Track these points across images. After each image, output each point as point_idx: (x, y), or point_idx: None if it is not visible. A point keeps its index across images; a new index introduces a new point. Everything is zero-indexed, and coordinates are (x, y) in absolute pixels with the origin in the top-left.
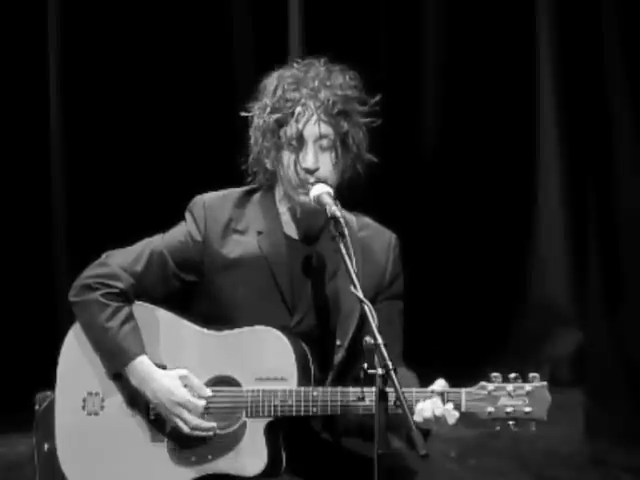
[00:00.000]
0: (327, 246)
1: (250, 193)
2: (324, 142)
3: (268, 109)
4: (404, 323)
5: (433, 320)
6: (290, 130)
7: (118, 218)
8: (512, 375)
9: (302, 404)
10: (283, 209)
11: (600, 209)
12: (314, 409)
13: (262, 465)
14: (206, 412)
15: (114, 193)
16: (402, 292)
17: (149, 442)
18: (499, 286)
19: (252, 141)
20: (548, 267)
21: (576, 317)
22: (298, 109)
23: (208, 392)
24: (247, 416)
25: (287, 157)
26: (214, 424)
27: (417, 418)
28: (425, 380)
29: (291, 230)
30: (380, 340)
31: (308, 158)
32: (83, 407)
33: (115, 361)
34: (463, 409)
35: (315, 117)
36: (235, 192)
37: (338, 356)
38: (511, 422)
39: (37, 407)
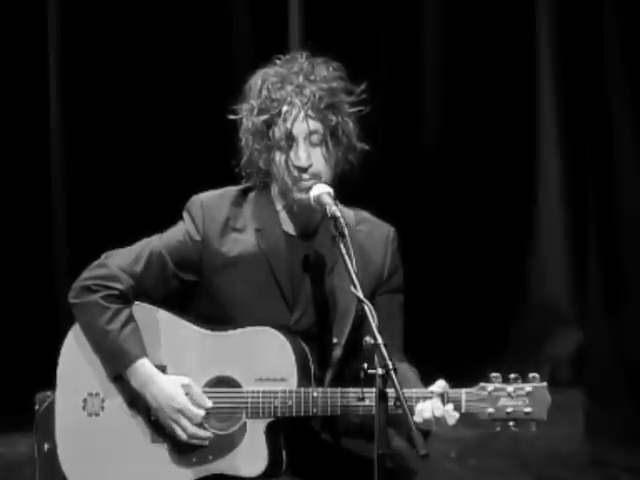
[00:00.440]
0: (325, 242)
1: (246, 191)
2: (314, 138)
3: (255, 111)
4: (404, 322)
5: (433, 320)
6: (279, 130)
7: (118, 218)
8: (512, 376)
9: (302, 405)
10: (280, 206)
11: (600, 209)
12: (314, 410)
13: (263, 466)
14: (206, 413)
15: (114, 193)
16: (402, 285)
17: (150, 443)
18: (499, 286)
19: (243, 143)
20: (548, 267)
21: (576, 317)
22: (285, 108)
23: (209, 403)
24: (247, 417)
25: (279, 157)
26: (210, 434)
27: (417, 419)
28: (425, 380)
29: (289, 227)
30: (380, 340)
31: (300, 156)
32: (83, 408)
33: (116, 363)
34: (463, 410)
35: (302, 114)
36: (232, 190)
37: (336, 354)
38: (511, 423)
39: (37, 407)
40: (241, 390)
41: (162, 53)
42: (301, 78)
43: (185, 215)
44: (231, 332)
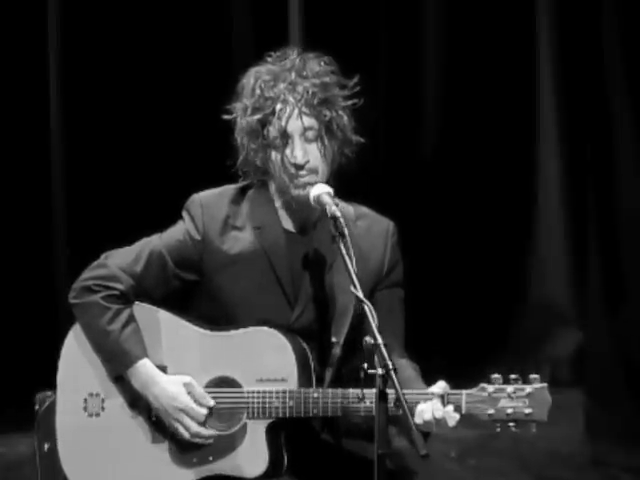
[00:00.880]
0: (324, 238)
1: (245, 189)
2: (309, 134)
3: (249, 110)
4: (406, 321)
5: (433, 320)
6: (274, 128)
7: (118, 218)
8: (512, 376)
9: (302, 405)
10: (278, 203)
11: (600, 209)
12: (315, 411)
13: (263, 466)
14: (209, 412)
15: (114, 193)
16: (402, 280)
17: (150, 443)
18: (499, 286)
19: (238, 142)
20: (548, 267)
21: (576, 317)
22: (278, 106)
23: (211, 402)
24: (248, 417)
25: (275, 155)
26: (214, 432)
27: (417, 420)
28: (425, 380)
29: (288, 224)
30: (380, 340)
31: (296, 153)
32: (84, 408)
33: (117, 364)
34: (463, 411)
35: (297, 111)
36: (230, 189)
37: (335, 352)
38: (511, 423)
39: (37, 407)
40: (242, 390)
41: (162, 53)
42: (293, 75)
43: (184, 214)
44: (231, 332)
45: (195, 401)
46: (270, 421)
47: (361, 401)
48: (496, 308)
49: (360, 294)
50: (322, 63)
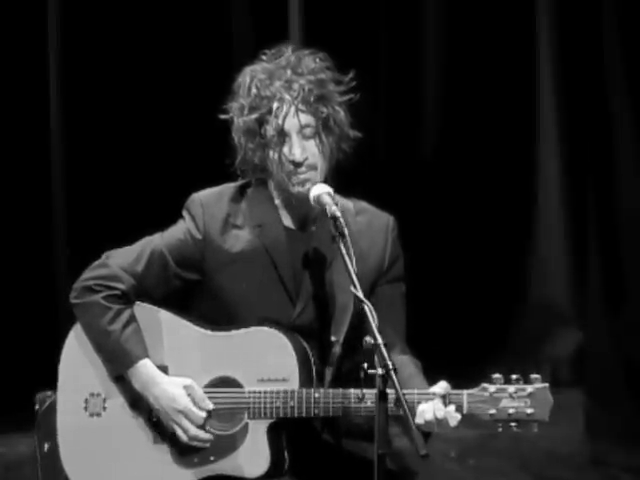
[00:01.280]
0: (324, 233)
1: (244, 187)
2: (307, 131)
3: (246, 110)
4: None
5: (433, 320)
6: (271, 127)
7: (118, 218)
8: (514, 376)
9: (304, 406)
10: (278, 201)
11: (600, 209)
12: (316, 411)
13: (265, 467)
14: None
15: (114, 193)
16: (403, 274)
17: (151, 443)
18: (499, 286)
19: (236, 142)
20: (548, 267)
21: (576, 317)
22: (275, 104)
23: (210, 405)
24: (249, 417)
25: (273, 153)
26: (211, 436)
27: (418, 420)
28: (428, 382)
29: (288, 221)
30: (380, 340)
31: (294, 151)
32: (85, 408)
33: (118, 364)
34: (465, 411)
35: (293, 109)
36: (229, 187)
37: (335, 351)
38: (513, 423)
39: (37, 407)
40: (243, 391)
41: (162, 53)
42: (289, 72)
43: (185, 214)
44: (232, 332)
45: (195, 404)
46: (271, 421)
47: (362, 401)
48: (496, 308)
49: (360, 294)
50: (317, 59)
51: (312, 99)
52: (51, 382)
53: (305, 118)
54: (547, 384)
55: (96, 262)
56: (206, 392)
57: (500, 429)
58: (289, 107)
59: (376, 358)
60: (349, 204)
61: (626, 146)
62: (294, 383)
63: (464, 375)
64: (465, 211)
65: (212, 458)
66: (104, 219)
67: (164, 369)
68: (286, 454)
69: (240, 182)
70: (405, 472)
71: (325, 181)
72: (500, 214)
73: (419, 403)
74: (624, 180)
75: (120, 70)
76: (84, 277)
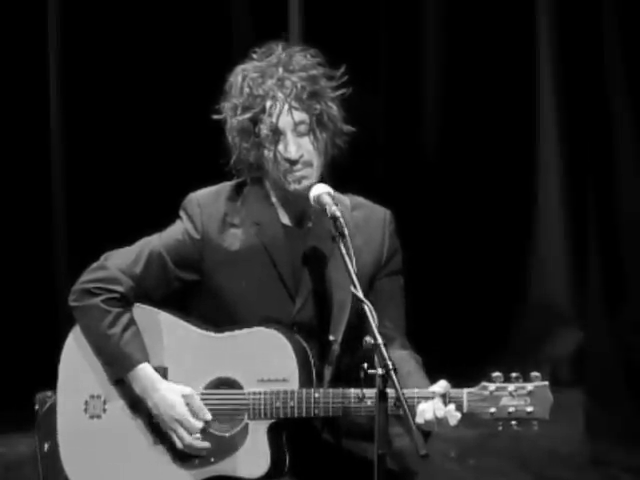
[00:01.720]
0: (321, 229)
1: (241, 186)
2: (301, 128)
3: (239, 109)
4: (405, 321)
5: (433, 320)
6: (265, 126)
7: (118, 218)
8: (514, 375)
9: (304, 406)
10: (275, 198)
11: (600, 209)
12: (316, 411)
13: (265, 467)
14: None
15: (114, 193)
16: (401, 267)
17: (152, 445)
18: (499, 286)
19: (230, 141)
20: (548, 267)
21: (576, 317)
22: (268, 103)
23: (208, 416)
24: (249, 418)
25: (268, 152)
26: (207, 445)
27: (419, 420)
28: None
29: (285, 218)
30: (380, 340)
31: (290, 149)
32: (85, 410)
33: (117, 367)
34: (465, 410)
35: (287, 106)
36: (226, 186)
37: (334, 350)
38: (513, 422)
39: (37, 407)
40: (242, 391)
41: (162, 53)
42: (280, 70)
43: (182, 214)
44: (232, 333)
45: (192, 413)
46: (271, 422)
47: (362, 401)
48: (496, 308)
49: (360, 294)
50: (308, 56)
51: (305, 96)
52: (51, 382)
53: (299, 115)
54: (547, 382)
55: (94, 264)
56: (206, 393)
57: (500, 428)
58: (282, 105)
59: (376, 358)
60: (345, 200)
61: (626, 146)
62: (294, 383)
63: (464, 375)
64: (465, 211)
65: (212, 459)
66: (104, 219)
67: (164, 371)
68: (286, 454)
69: (236, 181)
70: (405, 472)
71: (321, 178)
72: (500, 214)
73: (419, 403)
74: (624, 180)
75: (120, 70)
76: (83, 280)
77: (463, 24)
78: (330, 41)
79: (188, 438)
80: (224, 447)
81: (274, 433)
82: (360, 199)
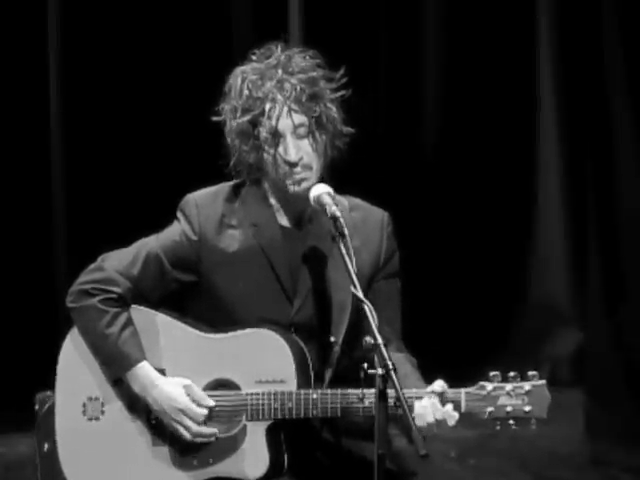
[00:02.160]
0: (320, 231)
1: (239, 187)
2: (301, 130)
3: (238, 112)
4: (405, 321)
5: (433, 320)
6: (265, 128)
7: (118, 218)
8: (511, 374)
9: (302, 406)
10: (273, 200)
11: (600, 209)
12: (314, 412)
13: (264, 468)
14: (209, 413)
15: (114, 193)
16: (399, 270)
17: (151, 446)
18: (499, 286)
19: (229, 143)
20: (548, 267)
21: (576, 317)
22: (268, 105)
23: (210, 402)
24: (247, 419)
25: (268, 154)
26: (215, 430)
27: (419, 422)
28: (425, 380)
29: (283, 220)
30: (380, 340)
31: (289, 152)
32: (83, 412)
33: (116, 367)
34: (463, 410)
35: (286, 109)
36: (225, 187)
37: (335, 351)
38: (511, 421)
39: (37, 407)
40: (240, 392)
41: (162, 54)
42: (280, 72)
43: (180, 215)
44: (229, 334)
45: (195, 402)
46: (270, 422)
47: (361, 401)
48: (496, 308)
49: (360, 294)
50: (307, 57)
51: (304, 98)
52: (51, 382)
53: (298, 118)
54: (544, 381)
55: (92, 265)
56: (205, 394)
57: (498, 427)
58: (282, 107)
59: (376, 358)
60: (344, 201)
61: (626, 146)
62: (292, 385)
63: (464, 375)
64: (465, 211)
65: (211, 460)
66: (103, 219)
67: (161, 372)
68: (285, 455)
69: (234, 182)
70: (405, 472)
71: (321, 179)
72: (500, 214)
73: (418, 399)
74: (624, 180)
75: (120, 71)
76: (80, 281)
77: (463, 24)
78: (330, 41)
79: (195, 426)
80: (223, 448)
81: (273, 434)
82: (358, 200)
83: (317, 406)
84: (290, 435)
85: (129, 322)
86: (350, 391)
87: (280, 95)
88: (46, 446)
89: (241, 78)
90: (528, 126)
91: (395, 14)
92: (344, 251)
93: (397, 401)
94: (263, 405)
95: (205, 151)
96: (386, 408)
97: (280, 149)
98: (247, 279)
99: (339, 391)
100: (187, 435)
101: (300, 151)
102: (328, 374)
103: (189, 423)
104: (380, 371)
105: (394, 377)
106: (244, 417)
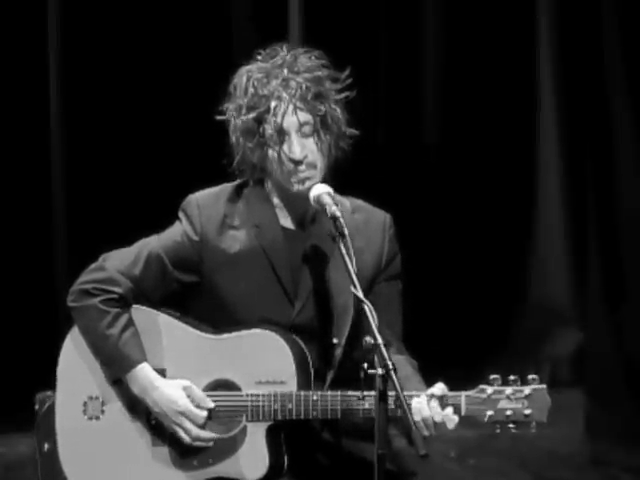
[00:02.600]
0: (322, 232)
1: (241, 187)
2: (306, 129)
3: (244, 109)
4: (404, 321)
5: (433, 320)
6: (270, 126)
7: (118, 218)
8: (511, 377)
9: (302, 408)
10: (275, 201)
11: (600, 209)
12: (314, 413)
13: (264, 469)
14: (209, 415)
15: (114, 193)
16: (400, 272)
17: (150, 446)
18: (499, 286)
19: (233, 142)
20: (548, 267)
21: (576, 317)
22: (273, 103)
23: (210, 404)
24: (247, 420)
25: (272, 152)
26: (214, 435)
27: (415, 418)
28: (424, 381)
29: (286, 221)
30: (380, 340)
31: (294, 149)
32: (84, 411)
33: (116, 368)
34: (463, 413)
35: (291, 107)
36: (227, 188)
37: (337, 353)
38: (511, 425)
39: (37, 407)
40: (241, 393)
41: (162, 54)
42: (285, 71)
43: (181, 215)
44: (230, 335)
45: (195, 404)
46: (270, 423)
47: (361, 401)
48: (496, 308)
49: (360, 294)
50: (313, 57)
51: (310, 97)
52: (51, 382)
53: (303, 116)
54: (545, 385)
55: (93, 265)
56: (205, 394)
57: (498, 430)
58: (287, 105)
59: (376, 358)
60: (345, 202)
61: (626, 146)
62: (292, 386)
63: (464, 376)
64: (465, 211)
65: (211, 461)
66: (104, 219)
67: (162, 372)
68: (285, 455)
69: (237, 182)
70: (405, 472)
71: (324, 180)
72: (500, 214)
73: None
74: (624, 180)
75: (120, 71)
76: (81, 280)
77: (463, 24)
78: (330, 42)
79: (195, 430)
80: (223, 449)
81: (273, 435)
82: (360, 202)
83: (317, 407)
84: (290, 436)
85: (130, 323)
86: (350, 393)
87: (285, 93)
88: (46, 446)
89: (246, 77)
90: (528, 126)
91: (395, 14)
92: (344, 251)
93: (397, 401)
94: (263, 406)
95: (207, 151)
96: (386, 408)
97: (285, 147)
98: (248, 280)
99: (339, 392)
100: (187, 438)
101: (305, 149)
102: (330, 375)
103: (189, 426)
104: (380, 371)
105: (394, 377)
106: (244, 418)
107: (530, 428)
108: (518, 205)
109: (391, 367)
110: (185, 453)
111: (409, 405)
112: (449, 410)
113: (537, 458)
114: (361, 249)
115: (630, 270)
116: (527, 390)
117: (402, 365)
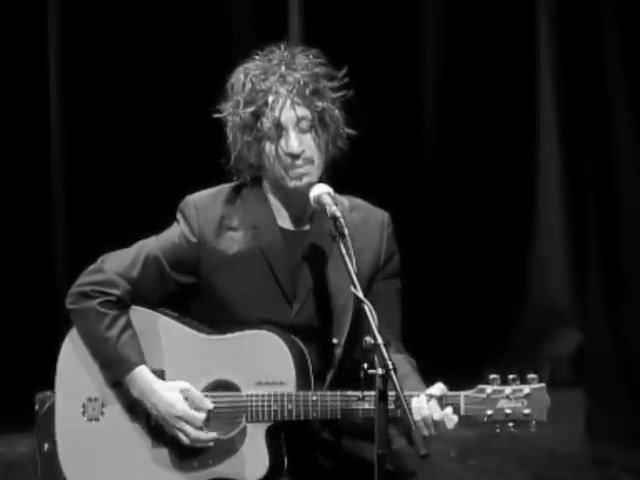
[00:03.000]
0: (320, 232)
1: (239, 188)
2: (303, 124)
3: (241, 104)
4: (404, 322)
5: (433, 320)
6: (267, 120)
7: (118, 218)
8: (511, 377)
9: (302, 408)
10: (273, 201)
11: (600, 209)
12: (314, 414)
13: (264, 470)
14: (208, 416)
15: (114, 193)
16: (399, 270)
17: (150, 447)
18: (499, 286)
19: (231, 140)
20: (548, 267)
21: (576, 317)
22: (271, 97)
23: (209, 405)
24: (247, 421)
25: (270, 147)
26: (214, 435)
27: (415, 417)
28: (424, 381)
29: (283, 221)
30: (380, 340)
31: (291, 143)
32: (83, 413)
33: (115, 370)
34: (462, 413)
35: (289, 101)
36: (224, 189)
37: (337, 353)
38: (511, 424)
39: (37, 407)
40: (240, 394)
41: (162, 54)
42: (283, 68)
43: (179, 217)
44: (229, 336)
45: (193, 406)
46: (269, 424)
47: (361, 401)
48: (496, 308)
49: (360, 294)
50: (310, 56)
51: (307, 92)
52: (51, 382)
53: (301, 111)
54: (544, 384)
55: (91, 267)
56: (203, 395)
57: (498, 430)
58: (285, 100)
59: (376, 358)
60: (344, 201)
61: (626, 146)
62: (291, 386)
63: (464, 376)
64: (465, 211)
65: (211, 462)
66: (104, 220)
67: (161, 373)
68: (285, 456)
69: (235, 183)
70: (405, 472)
71: (321, 180)
72: (500, 214)
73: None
74: (624, 180)
75: (120, 71)
76: (79, 282)
77: (463, 24)
78: (330, 41)
79: (193, 432)
80: (223, 450)
81: (272, 435)
82: (358, 201)
83: (317, 408)
84: (290, 436)
85: (128, 325)
86: (350, 393)
87: (283, 88)
88: (46, 446)
89: (244, 74)
90: (528, 126)
91: (395, 14)
92: (344, 251)
93: (397, 401)
94: (263, 407)
95: (205, 152)
96: (386, 408)
97: (282, 141)
98: (247, 281)
99: (339, 393)
100: (186, 440)
101: (302, 144)
102: (330, 375)
103: (188, 429)
104: (380, 371)
105: (394, 377)
106: (244, 418)
107: (530, 427)
108: (518, 205)
109: (391, 367)
110: (185, 454)
111: (409, 405)
112: (448, 410)
113: (537, 458)
114: (359, 248)
115: (630, 270)
116: (526, 389)
117: (401, 364)
